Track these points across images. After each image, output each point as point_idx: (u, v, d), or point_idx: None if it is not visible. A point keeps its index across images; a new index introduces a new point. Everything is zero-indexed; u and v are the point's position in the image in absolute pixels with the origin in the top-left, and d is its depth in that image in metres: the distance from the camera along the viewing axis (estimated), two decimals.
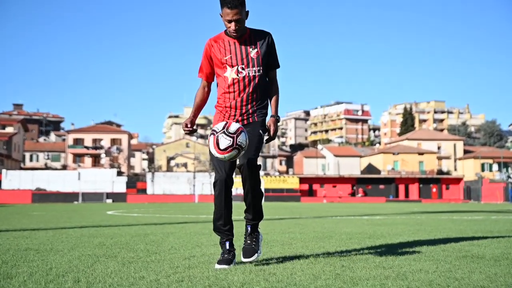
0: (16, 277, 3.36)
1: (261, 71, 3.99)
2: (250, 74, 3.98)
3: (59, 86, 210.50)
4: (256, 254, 3.96)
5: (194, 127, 4.10)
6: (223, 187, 3.90)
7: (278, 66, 4.12)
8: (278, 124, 4.11)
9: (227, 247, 3.95)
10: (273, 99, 4.11)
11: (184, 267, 3.81)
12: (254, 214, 4.06)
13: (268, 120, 4.06)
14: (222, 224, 3.97)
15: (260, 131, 3.99)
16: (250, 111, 4.03)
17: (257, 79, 3.99)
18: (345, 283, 3.06)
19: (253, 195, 3.99)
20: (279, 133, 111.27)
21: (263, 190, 4.32)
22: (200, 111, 4.26)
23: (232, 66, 3.97)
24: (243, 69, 3.96)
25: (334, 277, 3.26)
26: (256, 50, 3.98)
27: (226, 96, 4.04)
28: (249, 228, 4.07)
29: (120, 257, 4.53)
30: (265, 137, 4.03)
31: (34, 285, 3.07)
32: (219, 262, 3.82)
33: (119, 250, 5.08)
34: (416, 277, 3.22)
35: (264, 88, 4.06)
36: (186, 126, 4.04)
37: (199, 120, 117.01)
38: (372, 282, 3.05)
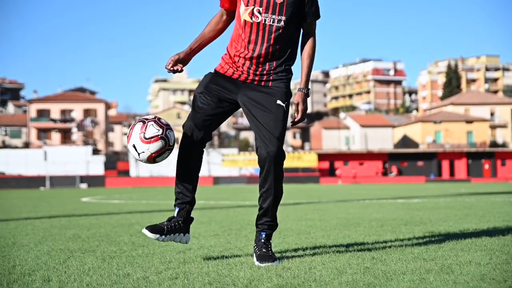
0: None
1: (286, 21, 3.69)
2: (267, 22, 3.69)
3: (17, 45, 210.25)
4: (274, 263, 3.67)
5: (183, 66, 3.94)
6: (186, 139, 3.87)
7: (318, 17, 3.81)
8: (307, 96, 3.82)
9: (174, 214, 3.93)
10: (305, 63, 3.83)
11: (178, 262, 3.85)
12: (273, 220, 3.91)
13: (295, 94, 3.83)
14: (177, 183, 3.96)
15: (280, 102, 3.76)
16: (265, 72, 3.78)
17: (279, 30, 3.70)
18: (376, 278, 3.08)
19: (275, 196, 3.87)
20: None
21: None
22: (203, 46, 3.99)
23: (247, 4, 3.71)
24: (259, 12, 3.68)
25: (363, 271, 3.28)
26: None
27: (235, 42, 3.82)
28: (263, 236, 3.88)
29: (99, 251, 4.58)
30: (283, 105, 3.78)
31: None
32: (146, 227, 3.80)
33: (98, 244, 5.14)
34: (464, 270, 3.24)
35: (289, 45, 3.79)
36: (173, 62, 3.88)
37: (190, 85, 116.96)
38: (410, 277, 3.07)
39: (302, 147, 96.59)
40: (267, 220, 3.90)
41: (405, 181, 60.79)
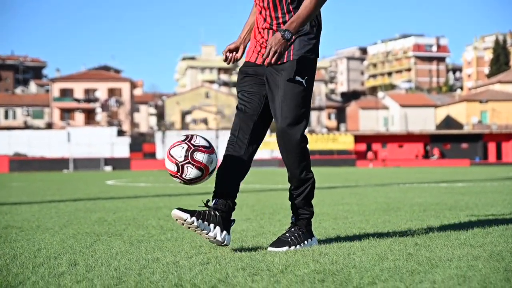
0: None
1: None
2: None
3: (39, 21, 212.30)
4: (287, 247, 3.69)
5: (238, 55, 3.96)
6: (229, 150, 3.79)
7: None
8: (287, 41, 3.51)
9: (212, 203, 3.72)
10: (301, 8, 3.58)
11: (209, 247, 3.87)
12: (300, 206, 3.87)
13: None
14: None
15: (299, 78, 3.65)
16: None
17: None
18: (420, 264, 3.06)
19: (296, 178, 3.82)
20: (324, 76, 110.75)
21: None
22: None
23: None
24: None
25: (406, 258, 3.27)
26: None
27: (257, 22, 3.82)
28: (292, 220, 3.91)
29: (126, 235, 4.64)
30: (303, 81, 3.65)
31: (19, 269, 3.16)
32: (178, 208, 3.61)
33: (125, 227, 5.20)
34: None
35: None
36: (229, 51, 3.93)
37: (219, 63, 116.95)
38: (457, 264, 3.04)
39: (337, 128, 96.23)
40: (295, 206, 3.91)
41: (448, 164, 60.22)
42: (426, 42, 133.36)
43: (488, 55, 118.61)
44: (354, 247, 3.72)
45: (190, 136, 3.65)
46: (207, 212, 3.61)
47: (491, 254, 3.32)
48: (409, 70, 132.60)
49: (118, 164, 58.14)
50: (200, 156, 3.57)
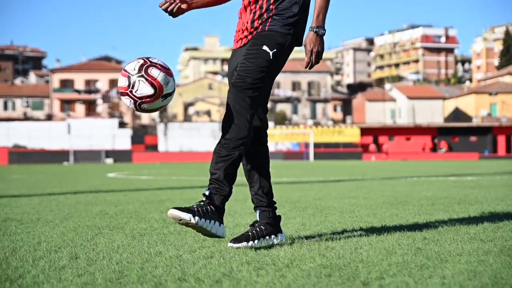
0: None
1: None
2: None
3: (39, 11, 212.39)
4: (246, 243, 3.54)
5: (182, 7, 3.68)
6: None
7: None
8: (322, 37, 3.51)
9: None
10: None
11: (213, 240, 3.86)
12: (216, 180, 3.55)
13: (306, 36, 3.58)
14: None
15: (266, 48, 3.52)
16: (257, 22, 3.59)
17: None
18: (429, 259, 3.05)
19: (221, 143, 3.55)
20: (330, 67, 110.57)
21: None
22: (206, 3, 3.78)
23: None
24: None
25: (414, 252, 3.26)
26: None
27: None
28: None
29: (128, 228, 4.64)
30: (270, 53, 3.51)
31: (19, 262, 3.16)
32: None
33: (127, 220, 5.20)
34: None
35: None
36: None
37: (223, 53, 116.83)
38: (467, 258, 3.04)
39: (343, 121, 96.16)
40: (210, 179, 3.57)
41: (457, 157, 60.13)
42: (435, 33, 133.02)
43: (498, 46, 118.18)
44: (361, 241, 3.71)
45: (149, 56, 3.50)
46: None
47: (502, 249, 3.31)
48: (417, 61, 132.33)
49: (120, 156, 58.20)
50: (155, 72, 3.40)
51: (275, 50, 3.54)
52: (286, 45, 3.58)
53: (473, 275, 2.63)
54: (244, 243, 3.53)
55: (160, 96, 3.41)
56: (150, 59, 3.45)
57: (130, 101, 3.40)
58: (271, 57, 3.53)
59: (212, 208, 3.49)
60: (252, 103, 3.53)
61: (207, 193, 3.52)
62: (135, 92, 3.37)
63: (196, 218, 3.37)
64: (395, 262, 2.99)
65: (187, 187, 11.43)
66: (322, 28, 3.51)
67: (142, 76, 3.37)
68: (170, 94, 3.47)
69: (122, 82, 3.42)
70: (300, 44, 3.65)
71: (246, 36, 3.66)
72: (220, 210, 3.53)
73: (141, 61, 3.43)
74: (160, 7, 3.69)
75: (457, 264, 2.91)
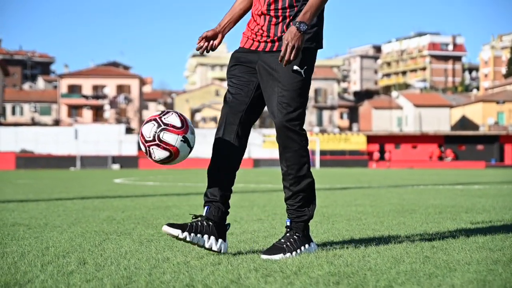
0: (4, 258, 3.47)
1: None
2: None
3: (48, 17, 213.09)
4: (282, 254, 3.48)
5: (216, 43, 3.73)
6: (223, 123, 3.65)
7: None
8: (303, 33, 3.38)
9: (203, 212, 3.60)
10: None
11: None
12: (293, 205, 3.64)
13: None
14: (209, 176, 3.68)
15: (297, 68, 3.51)
16: (279, 30, 3.56)
17: None
18: (438, 268, 3.04)
19: (293, 176, 3.61)
20: (336, 74, 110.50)
21: (312, 165, 3.83)
22: (235, 21, 3.81)
23: None
24: None
25: (423, 261, 3.25)
26: None
27: (252, 9, 3.69)
28: (287, 223, 3.67)
29: (135, 234, 4.64)
30: (302, 71, 3.51)
31: (28, 267, 3.16)
32: (168, 223, 3.49)
33: (134, 226, 5.21)
34: None
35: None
36: (203, 39, 3.71)
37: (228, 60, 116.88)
38: (476, 268, 3.02)
39: (350, 128, 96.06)
40: (289, 205, 3.67)
41: (463, 166, 60.01)
42: (442, 41, 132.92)
43: (506, 55, 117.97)
44: (369, 249, 3.70)
45: (165, 112, 3.52)
46: (199, 223, 3.50)
47: (511, 258, 3.29)
48: (424, 69, 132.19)
49: (126, 162, 58.28)
50: (167, 137, 3.42)
51: (305, 67, 3.53)
52: (313, 57, 3.60)
53: (482, 285, 2.62)
54: (179, 231, 3.43)
55: (177, 156, 3.47)
56: (163, 119, 3.45)
57: (152, 160, 3.50)
58: (304, 75, 3.53)
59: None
60: (303, 123, 3.57)
61: (288, 223, 3.65)
62: (154, 158, 3.46)
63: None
64: (404, 271, 2.97)
65: (193, 193, 11.42)
66: (304, 25, 3.37)
67: (156, 144, 3.42)
68: (190, 148, 3.54)
69: (142, 147, 3.51)
70: (320, 47, 3.66)
71: (265, 41, 3.59)
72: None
73: (155, 125, 3.44)
74: (197, 50, 3.73)
75: (466, 273, 2.90)
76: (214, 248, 3.51)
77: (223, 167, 3.63)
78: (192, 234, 3.44)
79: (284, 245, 3.52)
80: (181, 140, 3.45)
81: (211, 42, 3.73)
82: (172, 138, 3.42)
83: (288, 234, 3.60)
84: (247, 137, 3.70)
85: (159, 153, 3.43)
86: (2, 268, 3.16)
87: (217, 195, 3.59)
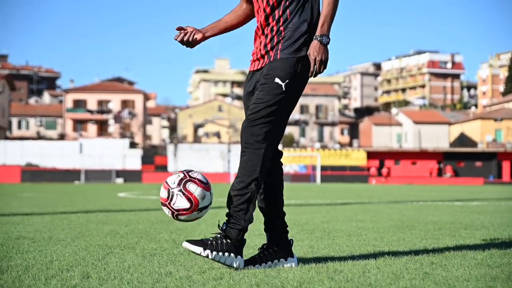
0: (9, 271, 3.46)
1: None
2: None
3: (54, 33, 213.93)
4: (202, 249, 3.45)
5: (196, 37, 3.71)
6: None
7: None
8: (326, 45, 3.43)
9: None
10: (324, 7, 3.49)
11: None
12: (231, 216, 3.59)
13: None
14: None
15: (278, 81, 3.48)
16: (269, 46, 3.57)
17: None
18: (437, 284, 3.03)
19: (238, 175, 3.58)
20: (337, 91, 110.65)
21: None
22: (220, 30, 3.81)
23: None
24: None
25: (422, 277, 3.24)
26: None
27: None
28: (221, 226, 3.64)
29: (139, 248, 4.62)
30: (282, 84, 3.47)
31: (32, 280, 3.15)
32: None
33: (137, 240, 5.19)
34: None
35: (297, 10, 3.54)
36: (184, 30, 3.70)
37: (233, 76, 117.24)
38: (475, 284, 3.01)
39: (350, 144, 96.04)
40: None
41: (462, 182, 59.90)
42: (441, 59, 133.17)
43: (504, 73, 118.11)
44: (369, 265, 3.69)
45: (190, 170, 3.62)
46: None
47: (509, 275, 3.28)
48: (423, 86, 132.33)
49: (130, 176, 58.25)
50: (192, 187, 3.51)
51: (287, 81, 3.50)
52: (298, 71, 3.53)
53: None
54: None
55: (196, 209, 3.52)
56: (190, 174, 3.56)
57: (169, 211, 3.55)
58: (284, 89, 3.50)
59: (227, 241, 3.51)
60: (266, 137, 3.50)
61: (224, 226, 3.56)
62: (173, 204, 3.51)
63: (207, 251, 3.44)
64: (403, 287, 2.97)
65: None
66: (326, 37, 3.44)
67: (180, 190, 3.50)
68: (206, 207, 3.57)
69: (163, 193, 3.56)
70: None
71: (258, 59, 3.65)
72: (237, 243, 3.54)
73: (182, 175, 3.55)
74: (176, 39, 3.69)
75: None
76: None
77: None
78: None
79: (208, 242, 3.47)
80: (202, 195, 3.53)
81: (192, 34, 3.70)
82: (195, 188, 3.51)
83: (219, 235, 3.54)
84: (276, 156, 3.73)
85: (181, 202, 3.49)
86: (7, 281, 3.15)
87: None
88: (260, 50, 3.63)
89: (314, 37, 3.46)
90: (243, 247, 3.57)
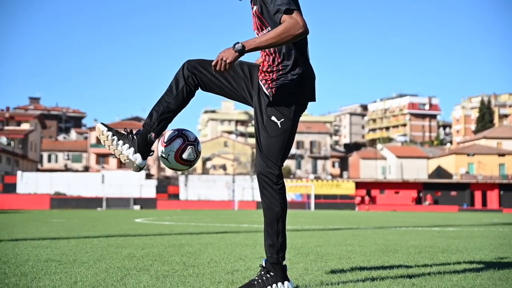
0: None
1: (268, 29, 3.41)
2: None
3: (80, 78, 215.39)
4: None
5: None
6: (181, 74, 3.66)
7: (282, 9, 3.18)
8: (236, 51, 3.18)
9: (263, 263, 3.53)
10: (271, 31, 3.19)
11: (227, 282, 3.81)
12: (267, 244, 3.55)
13: None
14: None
15: (274, 119, 3.45)
16: (264, 83, 3.52)
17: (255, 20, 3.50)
18: None
19: (265, 216, 3.55)
20: (329, 129, 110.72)
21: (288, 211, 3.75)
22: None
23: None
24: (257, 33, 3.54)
25: None
26: (255, 7, 3.45)
27: None
28: (263, 263, 3.54)
29: (153, 270, 4.59)
30: (279, 123, 3.45)
31: None
32: (101, 122, 3.64)
33: (152, 263, 5.15)
34: None
35: (283, 52, 3.42)
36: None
37: (237, 115, 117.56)
38: None
39: (340, 176, 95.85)
40: (266, 246, 3.58)
41: (439, 209, 59.61)
42: (420, 101, 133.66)
43: (475, 114, 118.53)
44: (357, 285, 3.66)
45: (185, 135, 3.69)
46: (125, 134, 3.57)
47: None
48: (404, 125, 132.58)
49: (146, 203, 58.07)
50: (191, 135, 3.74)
51: (282, 120, 3.47)
52: (292, 115, 3.48)
53: None
54: None
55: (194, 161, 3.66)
56: (189, 140, 3.69)
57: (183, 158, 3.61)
58: (280, 126, 3.48)
59: (270, 274, 3.46)
60: (278, 172, 3.53)
61: (263, 263, 3.53)
62: (183, 156, 3.63)
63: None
64: None
65: (204, 232, 11.33)
66: (241, 46, 3.17)
67: (193, 149, 3.69)
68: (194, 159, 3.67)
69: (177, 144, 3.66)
70: (305, 107, 3.53)
71: (265, 79, 3.51)
72: (280, 274, 3.49)
73: (192, 147, 3.70)
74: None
75: None
76: (131, 157, 3.55)
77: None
78: (115, 137, 3.56)
79: (255, 282, 3.43)
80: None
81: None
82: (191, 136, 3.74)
83: (262, 272, 3.50)
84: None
85: (189, 153, 3.61)
86: None
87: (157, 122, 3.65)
88: (264, 71, 3.53)
89: (235, 43, 3.23)
90: (286, 272, 3.51)
